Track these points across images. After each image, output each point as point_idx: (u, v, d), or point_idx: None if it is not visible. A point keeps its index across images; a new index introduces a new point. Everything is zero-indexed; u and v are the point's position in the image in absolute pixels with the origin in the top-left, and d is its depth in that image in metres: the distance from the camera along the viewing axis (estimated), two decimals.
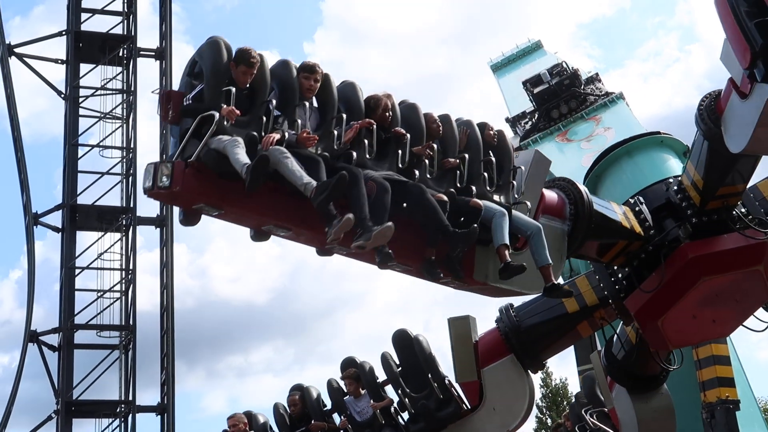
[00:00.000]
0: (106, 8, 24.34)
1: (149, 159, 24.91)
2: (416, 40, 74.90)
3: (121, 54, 23.94)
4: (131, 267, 22.52)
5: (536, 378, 11.44)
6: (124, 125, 23.64)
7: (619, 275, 10.41)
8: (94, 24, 24.16)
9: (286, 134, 7.11)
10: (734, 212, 9.81)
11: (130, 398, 21.58)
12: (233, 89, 6.99)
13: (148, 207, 23.55)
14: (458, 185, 8.16)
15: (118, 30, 24.21)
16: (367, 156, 7.56)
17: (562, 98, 23.39)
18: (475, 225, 7.69)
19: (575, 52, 68.14)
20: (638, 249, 10.04)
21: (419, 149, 7.91)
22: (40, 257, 29.99)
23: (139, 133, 23.63)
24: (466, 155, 8.31)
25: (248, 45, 7.21)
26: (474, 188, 8.20)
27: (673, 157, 16.93)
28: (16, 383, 21.33)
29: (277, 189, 6.94)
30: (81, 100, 23.54)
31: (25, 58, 23.76)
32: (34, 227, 22.22)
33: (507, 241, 7.92)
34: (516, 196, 8.67)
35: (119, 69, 23.94)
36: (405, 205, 7.48)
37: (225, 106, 6.84)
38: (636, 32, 76.58)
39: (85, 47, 23.87)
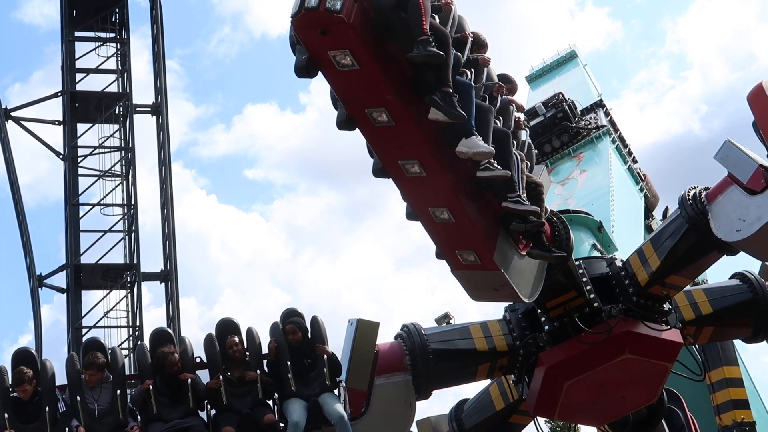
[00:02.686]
0: (100, 67, 24.59)
1: (150, 215, 25.29)
2: None
3: (117, 111, 24.13)
4: (138, 323, 22.56)
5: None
6: (124, 182, 23.84)
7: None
8: (89, 83, 24.43)
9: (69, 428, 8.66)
10: (582, 313, 9.93)
11: None
12: (6, 415, 8.61)
13: (153, 262, 23.70)
14: (260, 397, 9.11)
15: (114, 88, 24.44)
16: (154, 411, 8.82)
17: (554, 132, 23.37)
18: None
19: None
20: (509, 362, 10.39)
21: (211, 383, 9.05)
22: (50, 319, 30.16)
23: (139, 189, 23.82)
24: (258, 371, 9.21)
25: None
26: (276, 394, 9.15)
27: (586, 235, 15.93)
28: None
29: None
30: (80, 159, 23.67)
31: (23, 122, 23.94)
32: (39, 289, 22.28)
33: None
34: (328, 383, 9.27)
35: (116, 126, 24.15)
36: None
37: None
38: (629, 63, 77.74)
39: (82, 107, 24.08)
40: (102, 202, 23.52)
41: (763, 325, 10.91)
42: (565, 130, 23.28)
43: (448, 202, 7.49)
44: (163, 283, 23.25)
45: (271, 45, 72.61)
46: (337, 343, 10.05)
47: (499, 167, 7.34)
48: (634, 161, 23.62)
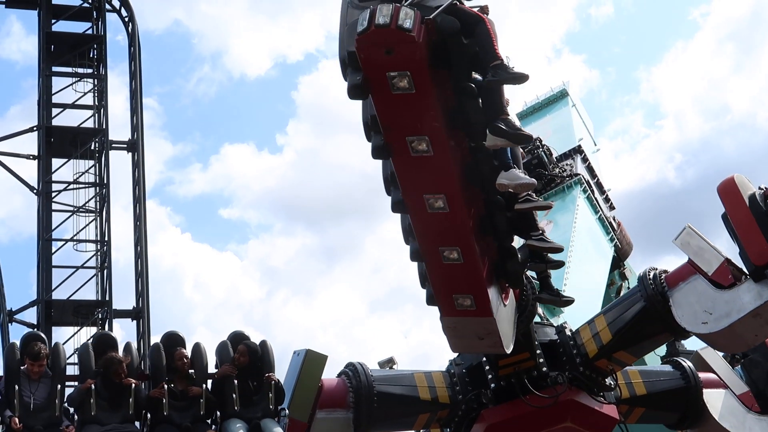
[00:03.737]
0: (76, 102, 24.47)
1: (124, 252, 25.07)
2: None
3: (93, 147, 24.02)
4: None
5: None
6: (98, 218, 23.65)
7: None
8: (65, 118, 24.26)
9: (3, 418, 8.52)
10: (530, 375, 10.01)
11: None
12: None
13: (125, 300, 23.46)
14: (201, 413, 9.08)
15: (90, 123, 24.29)
16: (92, 413, 8.66)
17: None
18: None
19: None
20: (448, 415, 10.46)
21: (154, 392, 9.03)
22: None
23: (113, 225, 23.62)
24: (203, 386, 9.21)
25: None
26: (219, 413, 9.14)
27: None
28: None
29: None
30: (54, 194, 23.44)
31: None
32: (10, 325, 21.94)
33: None
34: (271, 407, 9.28)
35: (92, 162, 24.00)
36: None
37: None
38: (605, 111, 79.04)
39: (57, 142, 23.87)
40: (75, 238, 23.26)
41: (691, 413, 11.11)
42: (539, 177, 23.47)
43: (462, 242, 7.50)
44: (134, 321, 23.04)
45: (249, 85, 73.00)
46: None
47: (540, 199, 7.40)
48: (611, 208, 23.87)
